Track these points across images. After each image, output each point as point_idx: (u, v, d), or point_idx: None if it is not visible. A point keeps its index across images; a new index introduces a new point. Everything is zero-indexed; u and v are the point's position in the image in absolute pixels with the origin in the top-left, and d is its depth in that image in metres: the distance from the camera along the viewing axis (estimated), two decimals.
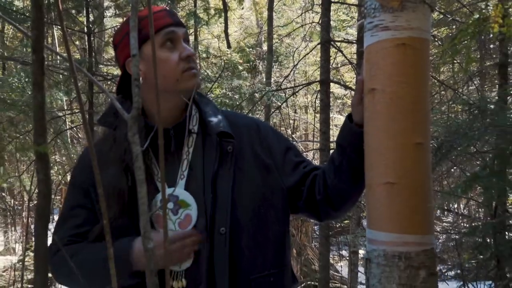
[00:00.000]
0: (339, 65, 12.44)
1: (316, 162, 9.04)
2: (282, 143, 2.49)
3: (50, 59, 8.05)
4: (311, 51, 9.05)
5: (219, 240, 2.16)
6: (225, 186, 2.23)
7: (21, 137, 6.69)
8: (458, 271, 5.13)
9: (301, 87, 9.71)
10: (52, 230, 2.36)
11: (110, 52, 10.02)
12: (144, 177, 1.37)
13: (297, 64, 8.33)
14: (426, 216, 1.77)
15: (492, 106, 4.35)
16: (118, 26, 2.35)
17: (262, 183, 2.33)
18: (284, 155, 2.44)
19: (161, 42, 2.16)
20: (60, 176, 11.82)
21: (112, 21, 10.97)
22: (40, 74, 1.59)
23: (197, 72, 2.25)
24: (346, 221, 11.50)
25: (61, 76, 6.44)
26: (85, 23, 5.87)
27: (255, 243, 2.26)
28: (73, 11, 6.12)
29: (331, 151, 6.03)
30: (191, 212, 2.19)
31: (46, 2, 5.12)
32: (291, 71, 8.51)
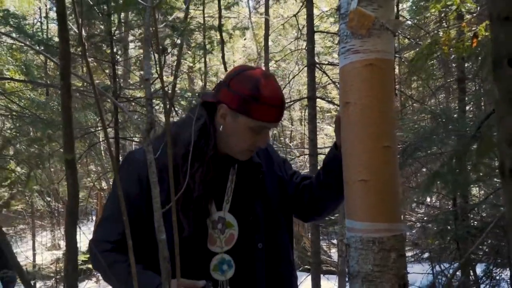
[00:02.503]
0: (326, 84, 12.49)
1: (307, 165, 9.06)
2: (279, 157, 2.56)
3: (85, 85, 8.12)
4: (299, 73, 9.10)
5: (257, 254, 2.22)
6: (259, 209, 2.28)
7: (59, 150, 6.72)
8: (434, 255, 5.14)
9: (291, 103, 9.76)
10: (93, 226, 2.33)
11: (135, 78, 10.05)
12: (157, 180, 1.38)
13: (288, 84, 8.42)
14: (394, 206, 1.78)
15: (454, 115, 4.37)
16: (236, 70, 2.22)
17: (281, 197, 2.40)
18: (284, 168, 2.52)
19: (255, 127, 2.11)
20: (95, 183, 11.87)
21: (135, 52, 11.01)
22: (67, 97, 1.61)
23: (254, 153, 2.29)
24: (336, 215, 11.49)
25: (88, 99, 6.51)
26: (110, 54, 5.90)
27: (282, 248, 2.34)
28: (100, 44, 6.16)
29: (319, 156, 6.10)
30: (234, 232, 2.22)
31: (77, 37, 5.16)
32: (283, 89, 8.57)
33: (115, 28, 6.05)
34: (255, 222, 2.25)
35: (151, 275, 2.04)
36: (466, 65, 6.63)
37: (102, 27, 6.35)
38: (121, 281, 2.06)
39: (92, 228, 16.06)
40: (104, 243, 2.13)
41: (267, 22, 10.40)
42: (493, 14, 0.85)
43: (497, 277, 4.28)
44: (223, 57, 2.06)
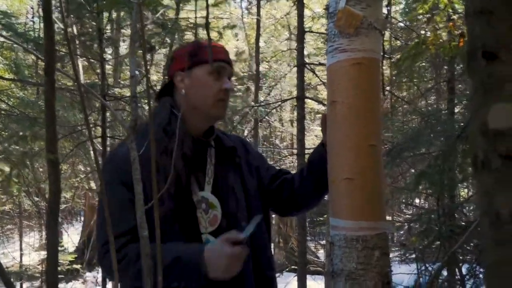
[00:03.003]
0: (316, 85, 12.52)
1: (296, 165, 9.09)
2: (257, 151, 2.66)
3: (74, 84, 8.11)
4: (287, 73, 9.12)
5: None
6: (239, 190, 2.31)
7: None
8: (419, 255, 5.17)
9: (280, 102, 9.78)
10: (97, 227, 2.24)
11: (124, 76, 10.04)
12: (140, 177, 1.39)
13: (276, 84, 8.45)
14: (378, 205, 1.79)
15: (444, 117, 4.40)
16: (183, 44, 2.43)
17: (258, 186, 2.43)
18: (261, 161, 2.57)
19: (211, 71, 2.20)
20: (83, 182, 11.83)
21: (126, 51, 10.99)
22: (51, 94, 1.60)
23: (227, 105, 2.31)
24: (325, 216, 11.52)
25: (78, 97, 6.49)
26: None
27: (262, 234, 2.34)
28: (90, 43, 6.15)
29: (306, 156, 6.10)
30: (217, 212, 2.22)
31: (64, 36, 5.15)
32: (272, 89, 8.62)
33: (104, 26, 6.04)
34: (237, 203, 2.27)
35: (188, 245, 2.07)
36: (456, 66, 6.68)
37: (92, 25, 6.34)
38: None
39: (80, 229, 16.02)
40: (116, 240, 2.02)
41: (258, 22, 10.44)
42: (469, 9, 0.86)
43: (481, 276, 4.31)
44: (210, 55, 2.07)
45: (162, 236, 1.39)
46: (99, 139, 5.75)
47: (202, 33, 7.94)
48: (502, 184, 0.80)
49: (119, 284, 2.22)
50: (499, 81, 0.79)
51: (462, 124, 4.07)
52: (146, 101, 7.05)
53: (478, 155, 0.81)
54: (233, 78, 2.39)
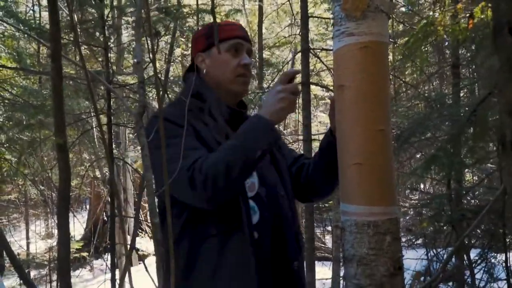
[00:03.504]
0: (320, 70, 12.46)
1: (301, 151, 9.11)
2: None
3: (77, 72, 8.09)
4: (293, 58, 9.10)
5: (280, 200, 2.28)
6: (273, 163, 2.37)
7: (51, 137, 6.68)
8: (426, 240, 5.16)
9: None
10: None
11: (128, 64, 10.00)
12: (150, 164, 1.38)
13: (281, 69, 8.43)
14: (389, 190, 1.78)
15: (449, 101, 4.37)
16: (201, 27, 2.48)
17: (285, 163, 2.49)
18: (283, 142, 2.66)
19: (228, 48, 2.28)
20: (89, 170, 11.84)
21: (128, 38, 10.96)
22: (58, 79, 1.59)
23: (248, 81, 2.36)
24: (330, 202, 11.53)
25: (83, 85, 6.48)
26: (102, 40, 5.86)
27: (295, 207, 2.41)
28: (93, 31, 6.12)
29: (313, 142, 6.09)
30: (255, 181, 2.25)
31: (69, 23, 5.13)
32: (276, 76, 8.61)
33: (107, 13, 6.00)
34: (272, 174, 2.32)
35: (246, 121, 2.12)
36: (460, 51, 6.64)
37: (94, 13, 6.30)
38: (237, 148, 2.01)
39: (86, 217, 16.08)
40: (197, 159, 2.00)
41: (260, 9, 10.39)
42: None
43: (492, 260, 4.30)
44: (216, 38, 2.06)
45: None
46: (105, 127, 5.71)
47: (207, 19, 7.92)
48: None
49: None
50: None
51: (467, 108, 4.05)
52: (152, 87, 7.06)
53: (506, 134, 0.79)
54: None
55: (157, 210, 2.15)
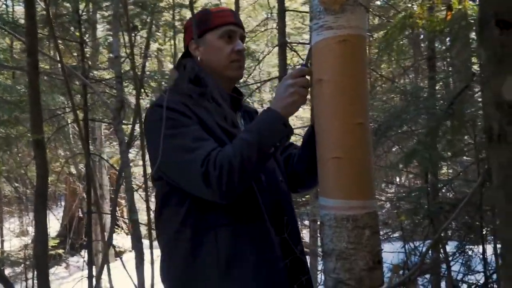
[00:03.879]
0: (296, 65, 12.46)
1: None
2: None
3: (52, 68, 8.01)
4: (269, 53, 9.07)
5: (283, 187, 2.31)
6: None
7: (27, 133, 6.60)
8: (401, 233, 5.19)
9: (263, 82, 9.72)
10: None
11: (103, 59, 9.92)
12: (129, 160, 1.36)
13: (258, 64, 8.40)
14: (368, 184, 1.79)
15: (424, 94, 4.40)
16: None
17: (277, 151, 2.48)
18: None
19: (221, 34, 2.28)
20: (64, 167, 11.72)
21: (104, 32, 10.86)
22: (35, 75, 1.57)
23: (243, 65, 2.36)
24: (307, 196, 11.56)
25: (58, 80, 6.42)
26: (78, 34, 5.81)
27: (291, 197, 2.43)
28: (68, 25, 6.07)
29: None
30: None
31: (45, 17, 5.08)
32: (253, 70, 8.58)
33: (83, 7, 5.95)
34: (270, 160, 2.26)
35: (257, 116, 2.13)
36: (435, 44, 6.69)
37: (69, 7, 6.24)
38: (252, 144, 1.98)
39: (61, 214, 15.93)
40: (210, 153, 1.96)
41: (237, 2, 10.35)
42: None
43: (470, 253, 4.35)
44: (195, 34, 2.05)
45: None
46: (81, 122, 5.66)
47: (183, 14, 7.88)
48: None
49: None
50: None
51: (443, 101, 4.08)
52: (128, 82, 7.00)
53: (493, 128, 0.79)
54: None
55: (158, 200, 2.21)
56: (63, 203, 17.43)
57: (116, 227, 14.89)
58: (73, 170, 13.41)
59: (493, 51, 0.81)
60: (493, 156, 0.85)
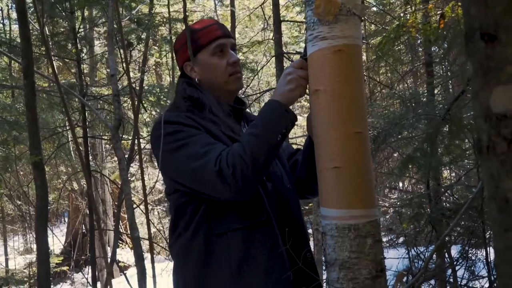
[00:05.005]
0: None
1: None
2: None
3: (51, 85, 8.03)
4: (267, 63, 9.11)
5: (289, 193, 2.32)
6: (277, 156, 2.35)
7: (27, 152, 6.61)
8: (407, 239, 5.19)
9: (262, 92, 9.75)
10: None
11: (101, 75, 9.95)
12: (128, 177, 1.37)
13: (256, 75, 8.41)
14: (368, 192, 1.79)
15: (423, 99, 4.40)
16: (178, 35, 2.50)
17: (284, 156, 2.51)
18: None
19: (213, 51, 2.28)
20: (66, 184, 11.72)
21: (101, 49, 10.89)
22: (32, 96, 1.58)
23: (241, 76, 2.37)
24: (310, 204, 11.56)
25: (57, 98, 6.43)
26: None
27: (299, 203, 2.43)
28: (64, 43, 6.08)
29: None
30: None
31: (40, 36, 5.09)
32: (251, 81, 8.60)
33: (79, 25, 5.96)
34: (278, 167, 2.33)
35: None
36: (433, 48, 6.71)
37: (65, 25, 6.26)
38: (258, 136, 2.00)
39: (65, 230, 15.92)
40: (221, 153, 2.00)
41: (233, 14, 10.38)
42: None
43: (473, 258, 4.34)
44: (189, 47, 2.04)
45: None
46: (81, 140, 5.67)
47: (179, 27, 7.90)
48: (509, 168, 0.79)
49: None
50: (499, 63, 0.78)
51: (441, 106, 4.09)
52: (127, 97, 7.02)
53: (482, 140, 0.80)
54: None
55: (172, 211, 2.24)
56: (66, 220, 17.42)
57: (120, 242, 14.88)
58: (75, 187, 13.41)
59: (479, 64, 0.82)
60: (483, 167, 0.85)
